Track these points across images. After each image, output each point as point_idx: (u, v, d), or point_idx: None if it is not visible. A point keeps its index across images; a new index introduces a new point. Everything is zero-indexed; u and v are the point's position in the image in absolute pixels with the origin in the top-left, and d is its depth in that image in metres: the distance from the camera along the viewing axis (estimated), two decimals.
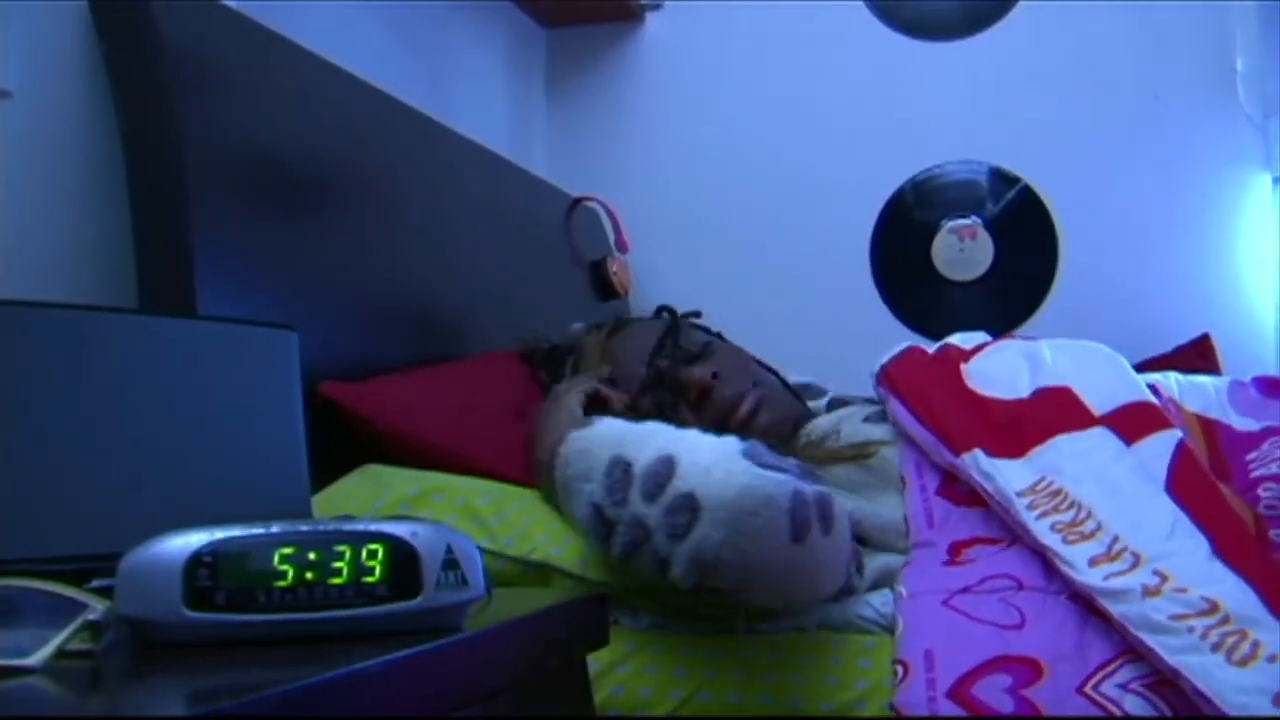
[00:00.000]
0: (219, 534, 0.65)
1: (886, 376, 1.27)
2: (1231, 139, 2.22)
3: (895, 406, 1.22)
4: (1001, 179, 2.30)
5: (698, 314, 1.56)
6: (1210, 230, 2.24)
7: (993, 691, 0.89)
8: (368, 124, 1.67)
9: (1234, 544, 0.93)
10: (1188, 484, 1.00)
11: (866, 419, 1.33)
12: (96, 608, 0.59)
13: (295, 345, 0.99)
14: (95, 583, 0.71)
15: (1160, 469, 1.02)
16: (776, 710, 1.00)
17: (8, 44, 1.19)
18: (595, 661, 1.01)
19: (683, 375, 1.41)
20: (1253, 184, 2.23)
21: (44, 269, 1.21)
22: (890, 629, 1.00)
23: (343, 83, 1.63)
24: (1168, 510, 0.98)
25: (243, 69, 1.41)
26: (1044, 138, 2.31)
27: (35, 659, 0.56)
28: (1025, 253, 2.29)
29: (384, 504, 1.18)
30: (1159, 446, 1.05)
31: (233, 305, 1.23)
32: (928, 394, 1.19)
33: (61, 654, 0.58)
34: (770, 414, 1.38)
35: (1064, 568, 0.95)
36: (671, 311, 1.53)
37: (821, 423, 1.37)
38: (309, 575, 0.66)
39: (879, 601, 1.04)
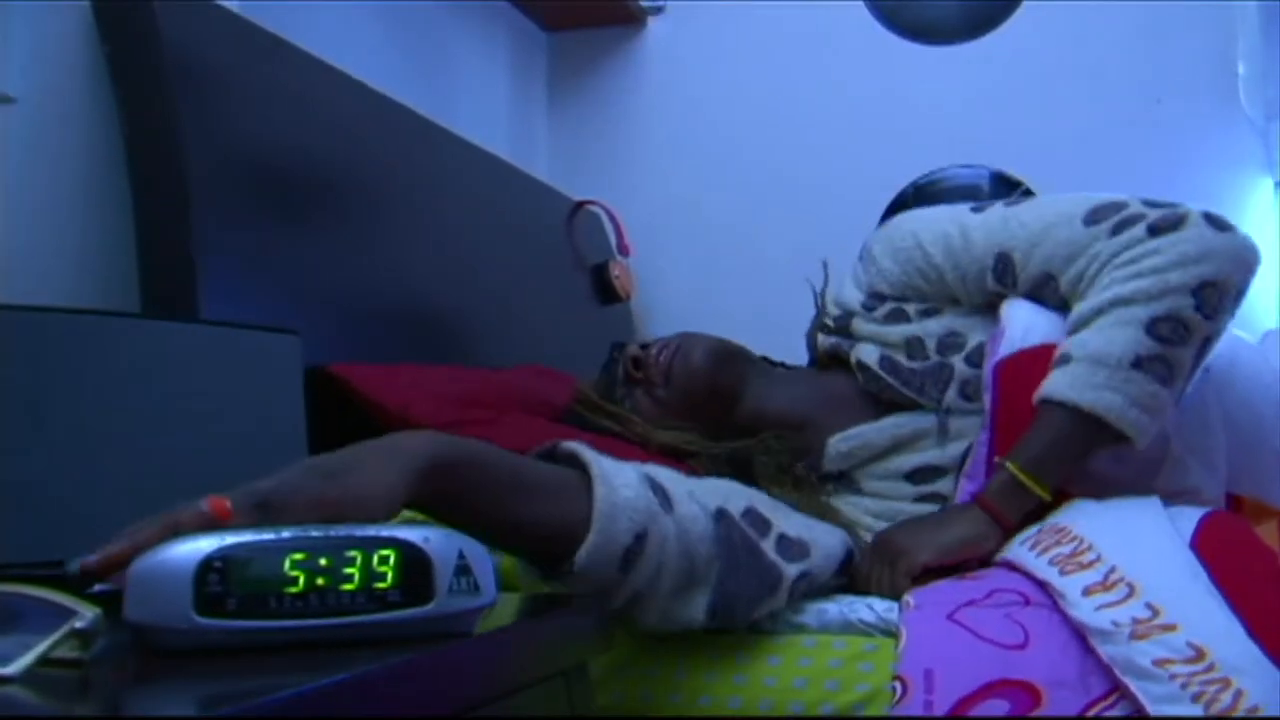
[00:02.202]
0: (229, 539, 0.64)
1: (1002, 370, 1.19)
2: (1233, 143, 2.22)
3: (988, 399, 1.19)
4: (1003, 183, 2.29)
5: (620, 346, 1.53)
6: None
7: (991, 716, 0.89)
8: (370, 127, 1.67)
9: (1235, 576, 0.93)
10: (1213, 541, 0.99)
11: (911, 476, 1.26)
12: (85, 616, 0.58)
13: (298, 349, 0.99)
14: (98, 587, 0.71)
15: (1187, 527, 1.01)
16: (777, 714, 1.00)
17: (11, 49, 1.19)
18: (596, 667, 1.01)
19: (623, 364, 1.39)
20: (1255, 188, 2.23)
21: (47, 273, 1.21)
22: (890, 632, 1.00)
23: (345, 86, 1.63)
24: (1172, 547, 0.97)
25: (245, 73, 1.41)
26: (1046, 142, 2.31)
27: (14, 668, 0.55)
28: None
29: None
30: (1193, 511, 1.05)
31: (235, 309, 1.23)
32: (1019, 413, 1.16)
33: (49, 662, 0.56)
34: (694, 352, 1.35)
35: (1059, 600, 0.95)
36: (619, 344, 1.50)
37: (870, 434, 1.28)
38: (320, 581, 0.65)
39: (881, 607, 1.04)
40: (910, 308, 1.30)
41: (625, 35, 2.55)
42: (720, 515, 1.00)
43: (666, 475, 1.00)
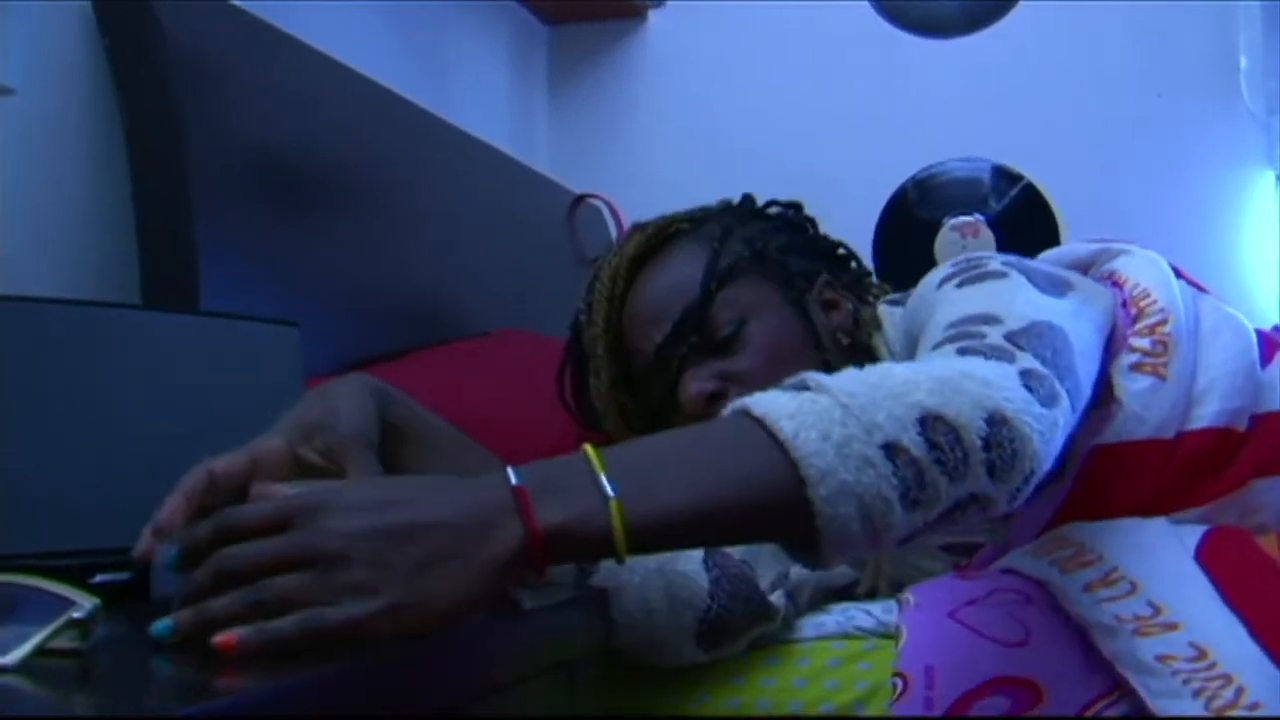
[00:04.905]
0: None
1: (1096, 455, 1.02)
2: (1235, 136, 2.22)
3: (1067, 480, 1.04)
4: (1004, 177, 2.29)
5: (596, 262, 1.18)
6: (1214, 228, 2.24)
7: (990, 715, 0.89)
8: (370, 120, 1.67)
9: (1238, 582, 0.91)
10: (1217, 551, 0.96)
11: (949, 547, 1.07)
12: (83, 606, 0.58)
13: (298, 341, 0.99)
14: (99, 578, 0.71)
15: (1191, 540, 0.97)
16: (776, 714, 1.00)
17: (10, 41, 1.19)
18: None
19: (680, 393, 1.11)
20: (1256, 181, 2.23)
21: (48, 265, 1.21)
22: (888, 635, 1.00)
23: (345, 79, 1.63)
24: (1175, 554, 0.96)
25: (245, 65, 1.41)
26: (1047, 136, 2.30)
27: (10, 658, 0.55)
28: (1028, 251, 2.28)
29: None
30: (1198, 526, 0.99)
31: (236, 301, 1.23)
32: (1100, 495, 1.04)
33: (46, 652, 0.56)
34: None
35: (1059, 597, 0.95)
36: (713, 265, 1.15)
37: None
38: None
39: (879, 610, 1.03)
40: None
41: (626, 29, 2.55)
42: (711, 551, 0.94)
43: None
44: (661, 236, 1.19)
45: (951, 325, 0.88)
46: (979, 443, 0.72)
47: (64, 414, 0.82)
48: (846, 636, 1.02)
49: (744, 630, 0.97)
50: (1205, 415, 1.00)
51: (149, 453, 0.85)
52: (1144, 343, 1.01)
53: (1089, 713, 0.88)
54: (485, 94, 2.31)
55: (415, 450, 0.90)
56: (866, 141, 2.40)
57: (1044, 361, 0.82)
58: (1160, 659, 0.86)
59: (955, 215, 2.30)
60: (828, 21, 2.42)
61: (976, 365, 0.77)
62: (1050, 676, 0.90)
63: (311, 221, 1.46)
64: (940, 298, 0.98)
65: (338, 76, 1.61)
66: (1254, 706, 0.82)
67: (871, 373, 0.75)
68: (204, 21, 1.34)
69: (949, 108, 2.36)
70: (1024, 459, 0.74)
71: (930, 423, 0.71)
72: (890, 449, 0.70)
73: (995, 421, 0.73)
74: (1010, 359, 0.79)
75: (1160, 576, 0.93)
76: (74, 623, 0.58)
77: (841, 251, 1.26)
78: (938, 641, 0.94)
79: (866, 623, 1.02)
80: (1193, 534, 0.98)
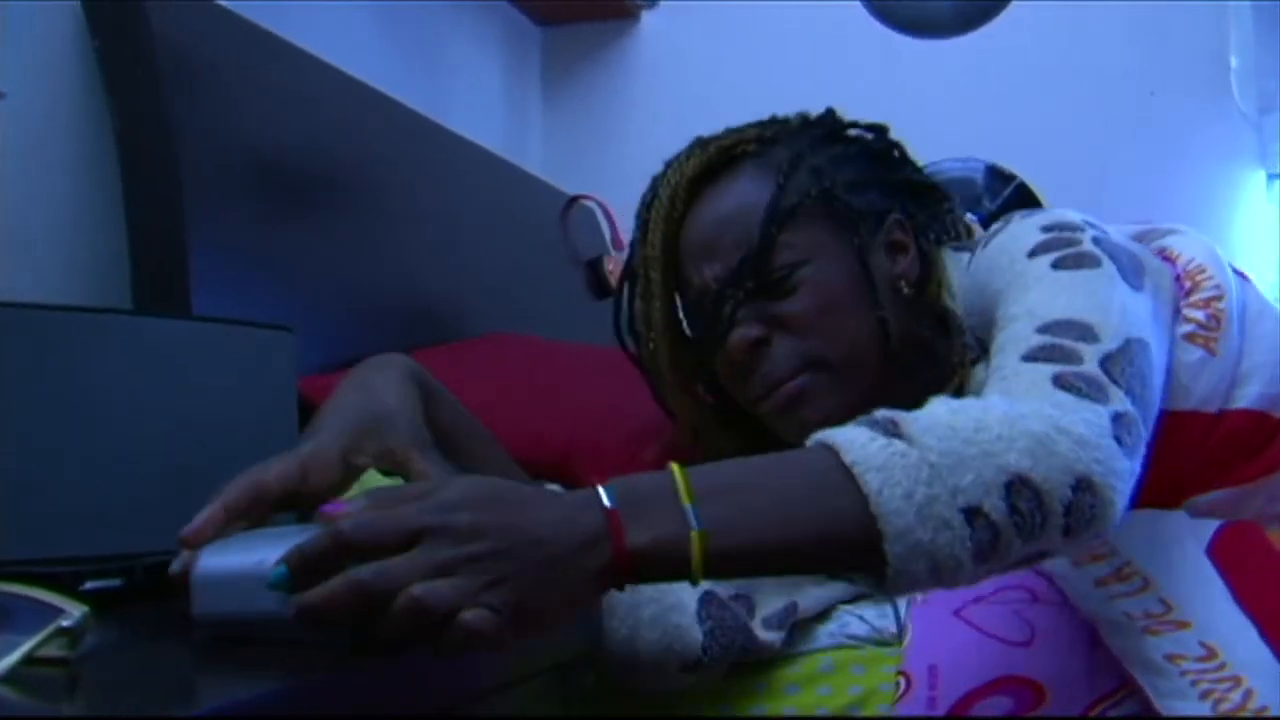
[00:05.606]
0: (309, 531, 0.64)
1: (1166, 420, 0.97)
2: (1227, 136, 2.22)
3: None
4: (998, 177, 2.29)
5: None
6: (1206, 227, 2.21)
7: (992, 714, 0.88)
8: (362, 122, 1.67)
9: (1250, 581, 0.90)
10: (1229, 548, 0.95)
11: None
12: (72, 614, 0.58)
13: (291, 346, 0.99)
14: (89, 585, 0.70)
15: (1205, 534, 0.95)
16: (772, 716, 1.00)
17: (0, 43, 1.18)
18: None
19: (728, 340, 1.04)
20: (1248, 181, 2.23)
21: (37, 270, 1.21)
22: (884, 641, 1.00)
23: (336, 81, 1.63)
24: (1191, 549, 0.94)
25: (236, 67, 1.40)
26: (1040, 135, 2.31)
27: None
28: None
29: None
30: (1212, 520, 0.97)
31: (228, 305, 1.23)
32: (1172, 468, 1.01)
33: (35, 661, 0.56)
34: (819, 411, 1.00)
35: (1068, 592, 0.94)
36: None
37: None
38: None
39: (874, 615, 1.03)
40: None
41: (619, 29, 2.55)
42: (708, 597, 0.92)
43: None
44: (725, 157, 1.13)
45: (1045, 329, 0.85)
46: (1060, 509, 0.73)
47: (54, 420, 0.81)
48: (840, 648, 1.02)
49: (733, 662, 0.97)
50: (1247, 396, 0.97)
51: (139, 459, 0.85)
52: (1199, 315, 0.98)
53: (1092, 713, 0.87)
54: (478, 95, 2.30)
55: (443, 445, 0.93)
56: None
57: (1134, 399, 0.80)
58: (1169, 658, 0.85)
59: None
60: (821, 21, 2.42)
61: (1072, 414, 0.76)
62: (1054, 677, 0.89)
63: (303, 224, 1.45)
64: (1032, 274, 0.93)
65: (329, 79, 1.61)
66: (1263, 710, 0.81)
67: (966, 418, 0.73)
68: (195, 23, 1.34)
69: (942, 108, 2.36)
70: (1101, 522, 0.75)
71: (1016, 487, 0.71)
72: (971, 512, 0.70)
73: (1081, 488, 0.73)
74: (1105, 399, 0.78)
75: (1173, 573, 0.92)
76: (63, 631, 0.57)
77: (919, 181, 1.20)
78: (942, 640, 0.94)
79: (861, 630, 1.02)
80: (1206, 529, 0.96)
